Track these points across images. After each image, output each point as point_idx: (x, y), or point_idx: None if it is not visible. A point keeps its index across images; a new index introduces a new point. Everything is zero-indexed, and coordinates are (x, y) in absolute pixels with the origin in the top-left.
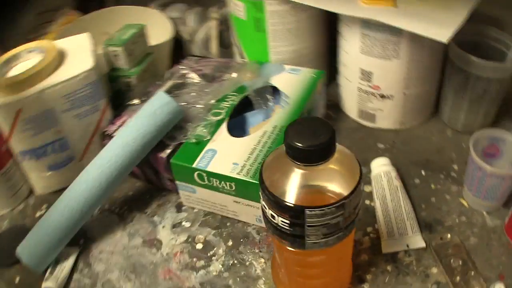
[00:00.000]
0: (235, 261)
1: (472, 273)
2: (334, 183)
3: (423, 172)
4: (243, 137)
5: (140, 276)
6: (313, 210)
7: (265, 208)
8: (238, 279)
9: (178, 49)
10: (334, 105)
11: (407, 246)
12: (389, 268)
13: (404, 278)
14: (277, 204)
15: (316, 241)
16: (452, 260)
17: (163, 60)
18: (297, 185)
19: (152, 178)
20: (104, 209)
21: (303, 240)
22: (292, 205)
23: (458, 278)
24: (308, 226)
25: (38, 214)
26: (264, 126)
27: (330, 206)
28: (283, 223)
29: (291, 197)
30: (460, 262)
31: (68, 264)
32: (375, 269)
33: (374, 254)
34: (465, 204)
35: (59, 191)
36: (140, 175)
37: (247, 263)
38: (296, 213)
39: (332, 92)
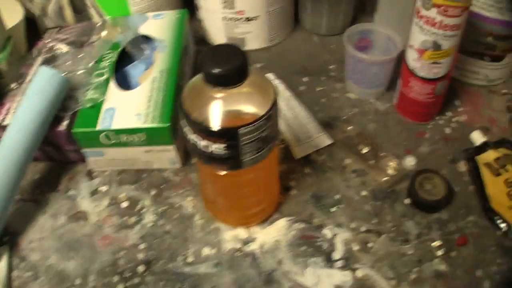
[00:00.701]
0: (165, 207)
1: (382, 154)
2: (251, 105)
3: (304, 79)
4: (135, 89)
5: (78, 251)
6: (246, 128)
7: (197, 141)
8: (174, 222)
9: (31, 27)
10: (201, 40)
11: (316, 146)
12: (307, 170)
13: (324, 175)
14: (210, 132)
15: (251, 157)
16: (360, 148)
17: (21, 41)
18: (219, 110)
19: (54, 155)
20: (15, 199)
21: (239, 160)
22: (225, 128)
23: (371, 162)
24: (243, 144)
25: None
26: (152, 73)
27: (260, 120)
28: (218, 149)
29: (217, 122)
30: (368, 148)
31: (2, 265)
32: (296, 174)
33: (290, 162)
34: (353, 96)
35: None
36: (39, 155)
37: (177, 205)
38: (230, 135)
39: (194, 28)
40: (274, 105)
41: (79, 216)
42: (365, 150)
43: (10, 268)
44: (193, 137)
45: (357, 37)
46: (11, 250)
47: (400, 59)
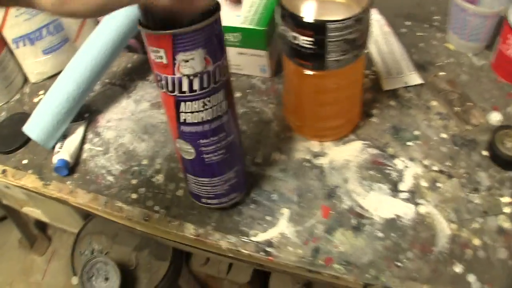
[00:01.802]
0: (246, 110)
1: (469, 104)
2: (344, 5)
3: (407, 23)
4: None
5: (153, 135)
6: (335, 23)
7: (287, 32)
8: (251, 124)
9: None
10: None
11: (406, 83)
12: (392, 103)
13: (408, 111)
14: (300, 23)
15: (335, 58)
16: (449, 94)
17: None
18: (312, 3)
19: None
20: (104, 83)
21: (323, 59)
22: (315, 21)
23: (457, 108)
24: (329, 41)
25: (36, 100)
26: None
27: (349, 19)
28: (305, 42)
29: (308, 15)
30: (457, 96)
31: (77, 136)
32: (380, 104)
33: (377, 92)
34: (451, 47)
35: (54, 77)
36: (137, 47)
37: (258, 109)
38: (319, 28)
39: None
40: (366, 11)
41: (161, 104)
42: (453, 97)
43: (83, 141)
44: (284, 28)
45: None
46: (88, 126)
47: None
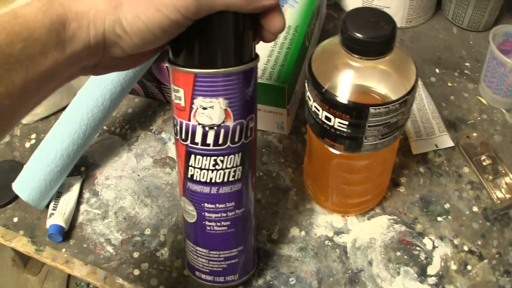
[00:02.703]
0: (261, 173)
1: (503, 170)
2: (388, 84)
3: (437, 70)
4: None
5: (156, 199)
6: (379, 108)
7: (318, 110)
8: (267, 192)
9: None
10: (334, 5)
11: (436, 146)
12: (421, 169)
13: (438, 179)
14: (336, 103)
15: (373, 142)
16: (481, 158)
17: None
18: (351, 82)
19: (153, 92)
20: (103, 130)
21: (359, 142)
22: (355, 104)
23: (489, 176)
24: (369, 126)
25: (28, 145)
26: None
27: (395, 103)
28: (340, 125)
29: (346, 95)
30: (489, 161)
31: (72, 195)
32: (408, 171)
33: (405, 156)
34: (484, 101)
35: (47, 118)
36: (139, 90)
37: (274, 174)
38: (358, 112)
39: None
40: (413, 91)
41: (166, 162)
42: (486, 163)
43: (79, 200)
44: (315, 105)
45: (502, 39)
46: (84, 182)
47: None
